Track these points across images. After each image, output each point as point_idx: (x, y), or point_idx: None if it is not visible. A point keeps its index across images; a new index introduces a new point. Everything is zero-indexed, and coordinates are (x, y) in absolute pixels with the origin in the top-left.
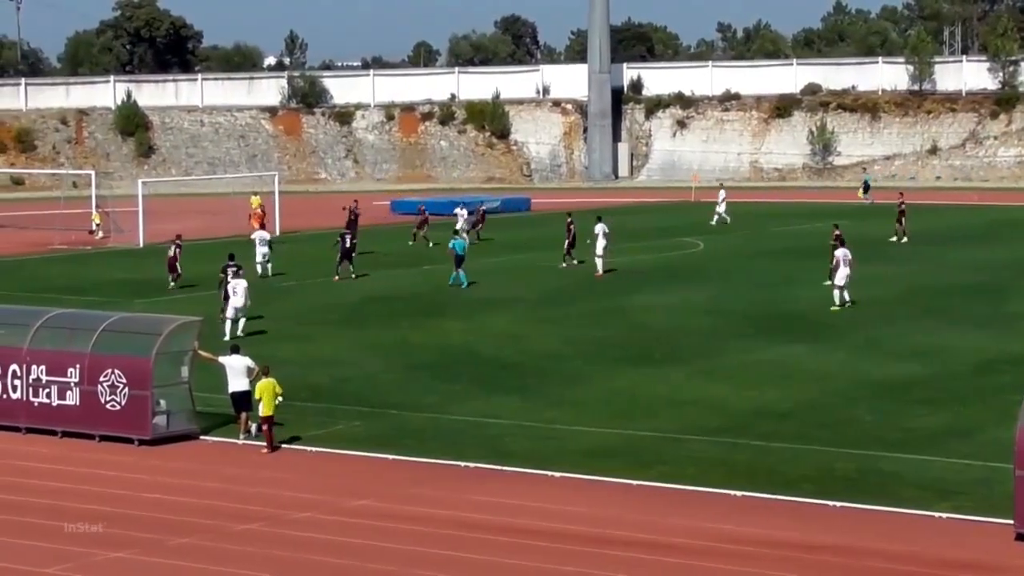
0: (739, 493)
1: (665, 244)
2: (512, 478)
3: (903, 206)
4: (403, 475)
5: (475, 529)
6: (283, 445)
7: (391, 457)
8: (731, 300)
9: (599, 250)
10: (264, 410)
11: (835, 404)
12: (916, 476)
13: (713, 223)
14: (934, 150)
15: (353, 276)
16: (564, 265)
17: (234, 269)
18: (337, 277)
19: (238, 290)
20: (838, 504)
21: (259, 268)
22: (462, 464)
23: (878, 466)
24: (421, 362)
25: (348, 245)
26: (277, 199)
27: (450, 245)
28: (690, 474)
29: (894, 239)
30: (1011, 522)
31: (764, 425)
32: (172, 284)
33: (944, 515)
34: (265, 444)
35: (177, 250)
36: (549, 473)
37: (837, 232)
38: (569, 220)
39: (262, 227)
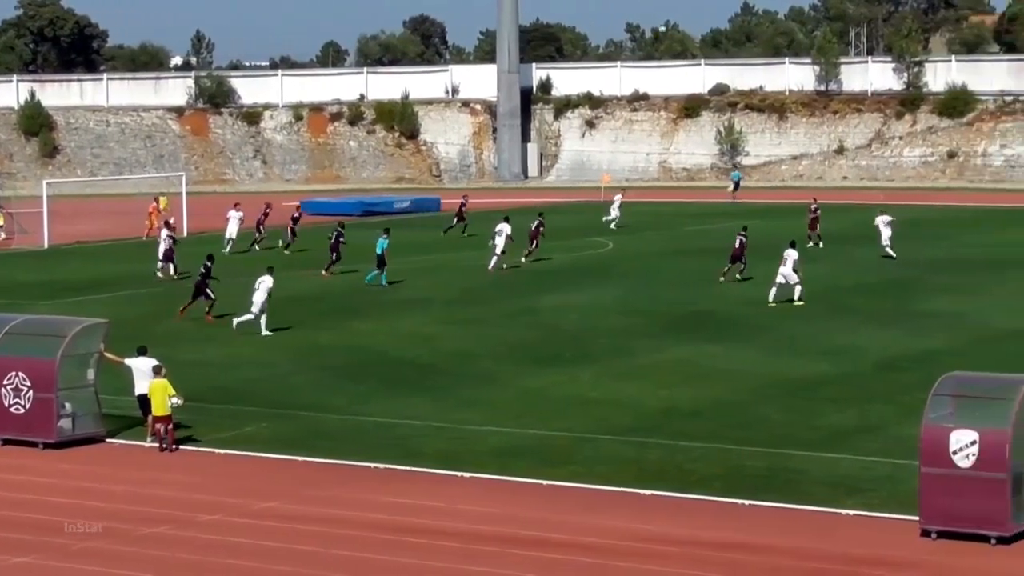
0: (649, 492)
1: (575, 244)
2: (422, 479)
3: (817, 212)
4: (312, 477)
5: (384, 530)
6: (191, 447)
7: (300, 459)
8: (642, 300)
9: (500, 248)
10: (156, 410)
11: (745, 403)
12: (824, 474)
13: (612, 224)
14: (840, 150)
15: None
16: (522, 258)
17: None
18: (326, 273)
19: (260, 287)
20: (748, 502)
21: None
22: (372, 465)
23: (787, 464)
24: (332, 363)
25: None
26: (185, 200)
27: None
28: (600, 473)
29: (811, 244)
30: (916, 518)
31: (675, 424)
32: (173, 274)
33: (851, 512)
34: (163, 445)
35: (172, 243)
36: (459, 473)
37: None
38: (540, 219)
39: (167, 227)
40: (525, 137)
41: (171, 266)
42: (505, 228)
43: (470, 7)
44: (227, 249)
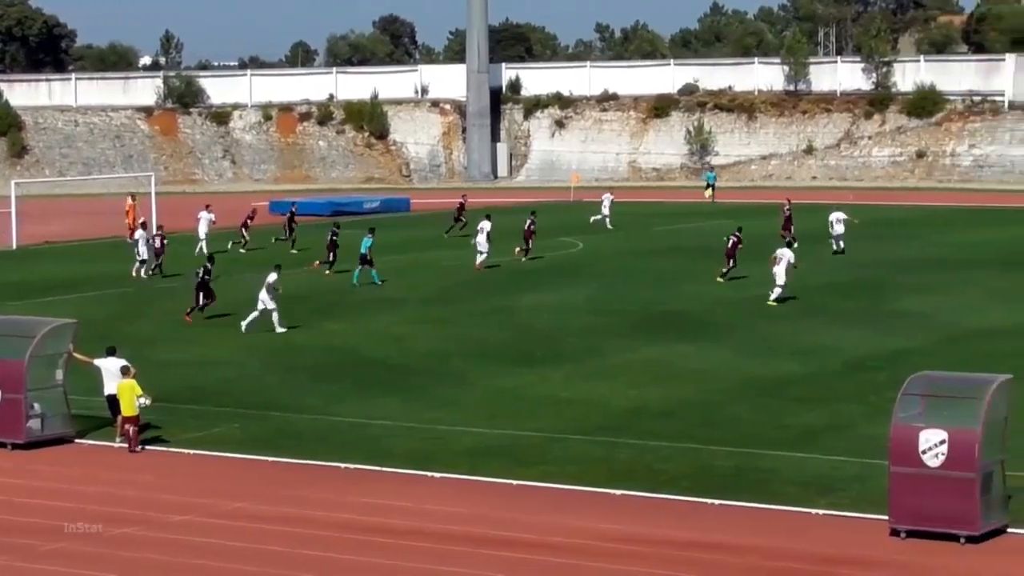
0: (619, 492)
1: (545, 244)
2: (393, 479)
3: (789, 212)
4: (283, 477)
5: (355, 530)
6: (161, 448)
7: (271, 459)
8: (613, 299)
9: (483, 246)
10: (124, 410)
11: (716, 403)
12: (794, 473)
13: (606, 223)
14: (810, 150)
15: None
16: (522, 257)
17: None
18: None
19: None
20: (717, 502)
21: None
22: (343, 466)
23: (757, 464)
24: (303, 363)
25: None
26: (154, 200)
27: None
28: (571, 473)
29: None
30: (886, 517)
31: (645, 424)
32: (144, 274)
33: (821, 511)
34: (134, 446)
35: (162, 240)
36: (430, 474)
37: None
38: (532, 217)
39: (143, 227)
40: (495, 137)
41: (141, 265)
42: (486, 225)
43: (439, 7)
44: (197, 250)
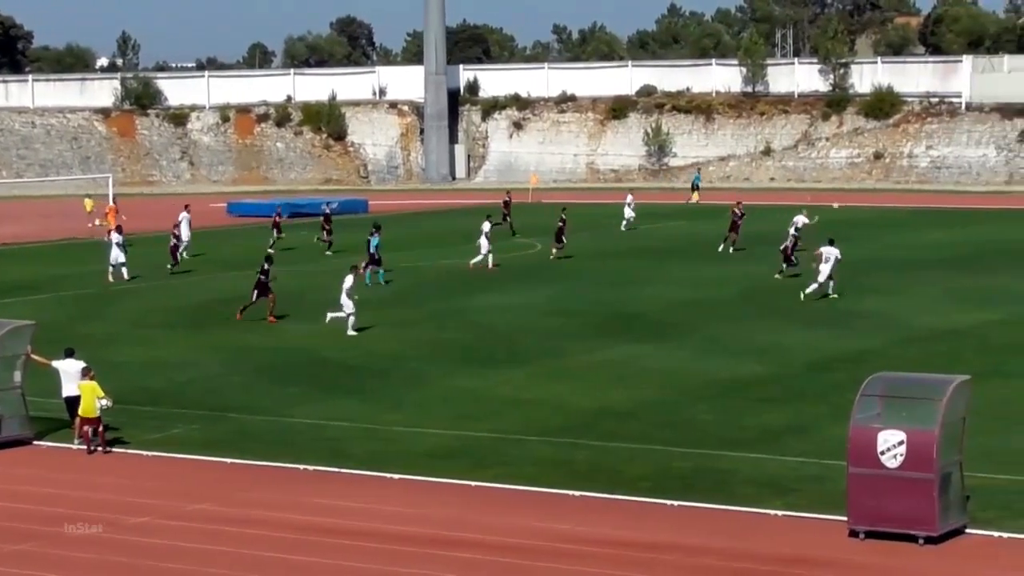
0: (578, 493)
1: (504, 246)
2: (351, 480)
3: (739, 215)
4: (242, 479)
5: (313, 532)
6: (120, 450)
7: (229, 461)
8: (573, 300)
9: (485, 247)
10: (84, 412)
11: (676, 403)
12: (752, 474)
13: (633, 225)
14: (767, 151)
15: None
16: (556, 254)
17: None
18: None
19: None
20: (676, 503)
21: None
22: (301, 467)
23: (716, 464)
24: (262, 365)
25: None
26: (111, 201)
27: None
28: (530, 474)
29: (721, 249)
30: (844, 518)
31: (605, 425)
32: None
33: (779, 512)
34: (92, 446)
35: (176, 241)
36: (388, 475)
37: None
38: (563, 214)
39: (118, 231)
40: (452, 138)
41: (115, 269)
42: (484, 226)
43: (397, 8)
44: (183, 251)
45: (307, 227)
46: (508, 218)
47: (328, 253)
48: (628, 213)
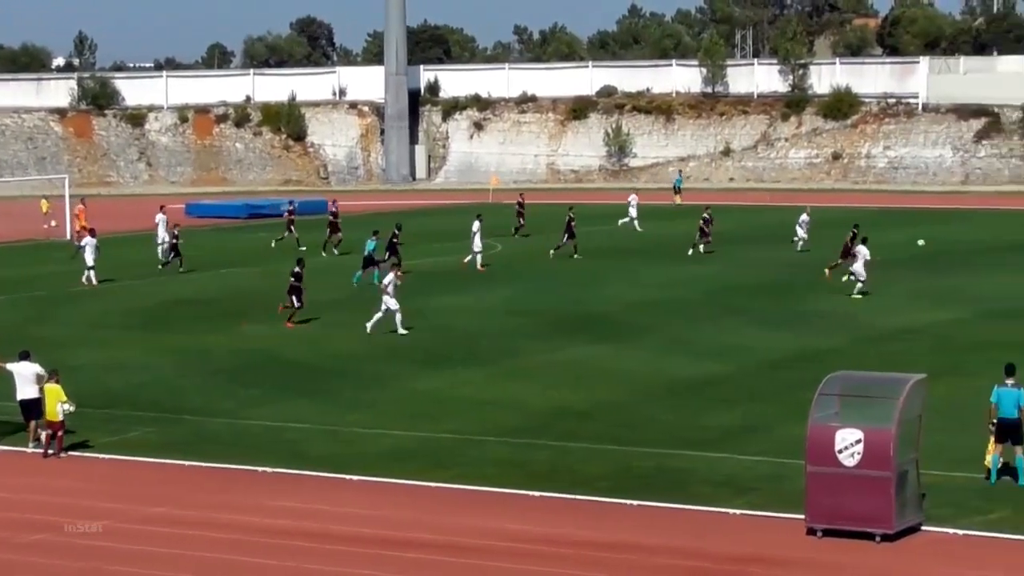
0: (538, 493)
1: (464, 246)
2: (310, 482)
3: (708, 221)
4: (199, 482)
5: (271, 534)
6: (76, 453)
7: (187, 463)
8: (532, 301)
9: (477, 247)
10: (47, 415)
11: (635, 403)
12: (711, 473)
13: (635, 226)
14: (727, 152)
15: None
16: (690, 253)
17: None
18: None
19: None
20: (635, 503)
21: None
22: (259, 469)
23: (675, 464)
24: (220, 367)
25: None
26: (68, 202)
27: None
28: (489, 475)
29: (692, 251)
30: (802, 517)
31: (564, 425)
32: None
33: (737, 511)
34: (48, 450)
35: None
36: (347, 477)
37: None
38: (571, 214)
39: (91, 233)
40: (413, 139)
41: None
42: (474, 225)
43: (357, 9)
44: (160, 253)
45: (265, 228)
46: (522, 221)
47: (303, 248)
48: (632, 212)
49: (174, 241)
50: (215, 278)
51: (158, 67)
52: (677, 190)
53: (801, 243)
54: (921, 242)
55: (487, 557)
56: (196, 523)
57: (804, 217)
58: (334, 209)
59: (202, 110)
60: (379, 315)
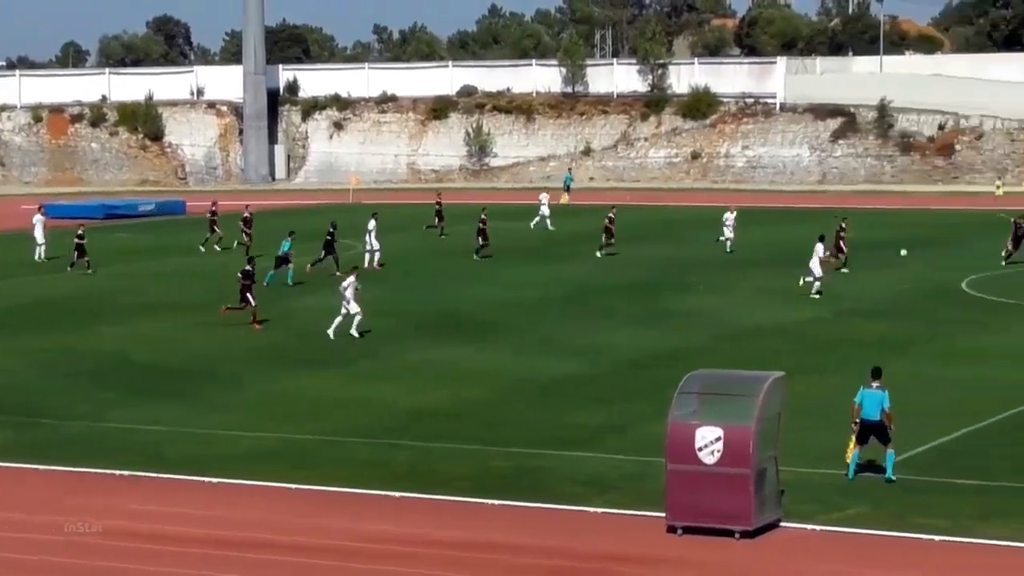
0: (398, 494)
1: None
2: (168, 485)
3: (612, 223)
4: (55, 485)
5: (126, 538)
6: None
7: (42, 467)
8: (397, 301)
9: (375, 244)
10: None
11: (496, 403)
12: (573, 472)
13: (547, 224)
14: (588, 151)
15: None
16: (599, 255)
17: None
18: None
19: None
20: (496, 502)
21: None
22: (117, 472)
23: (536, 463)
24: (76, 369)
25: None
26: None
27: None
28: (349, 476)
29: (600, 253)
30: (662, 514)
31: (427, 425)
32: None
33: (599, 510)
34: None
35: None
36: (206, 479)
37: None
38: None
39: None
40: (272, 139)
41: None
42: (370, 224)
43: (215, 8)
44: (38, 255)
45: (122, 229)
46: (441, 219)
47: (246, 248)
48: (544, 211)
49: (79, 241)
50: (70, 279)
51: (11, 66)
52: (567, 188)
53: (729, 243)
54: (904, 252)
55: (347, 558)
56: (49, 527)
57: (728, 216)
58: (214, 208)
59: (57, 109)
60: (339, 319)
